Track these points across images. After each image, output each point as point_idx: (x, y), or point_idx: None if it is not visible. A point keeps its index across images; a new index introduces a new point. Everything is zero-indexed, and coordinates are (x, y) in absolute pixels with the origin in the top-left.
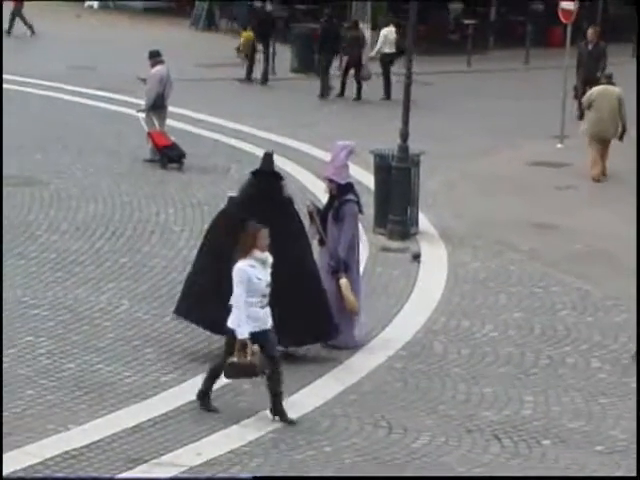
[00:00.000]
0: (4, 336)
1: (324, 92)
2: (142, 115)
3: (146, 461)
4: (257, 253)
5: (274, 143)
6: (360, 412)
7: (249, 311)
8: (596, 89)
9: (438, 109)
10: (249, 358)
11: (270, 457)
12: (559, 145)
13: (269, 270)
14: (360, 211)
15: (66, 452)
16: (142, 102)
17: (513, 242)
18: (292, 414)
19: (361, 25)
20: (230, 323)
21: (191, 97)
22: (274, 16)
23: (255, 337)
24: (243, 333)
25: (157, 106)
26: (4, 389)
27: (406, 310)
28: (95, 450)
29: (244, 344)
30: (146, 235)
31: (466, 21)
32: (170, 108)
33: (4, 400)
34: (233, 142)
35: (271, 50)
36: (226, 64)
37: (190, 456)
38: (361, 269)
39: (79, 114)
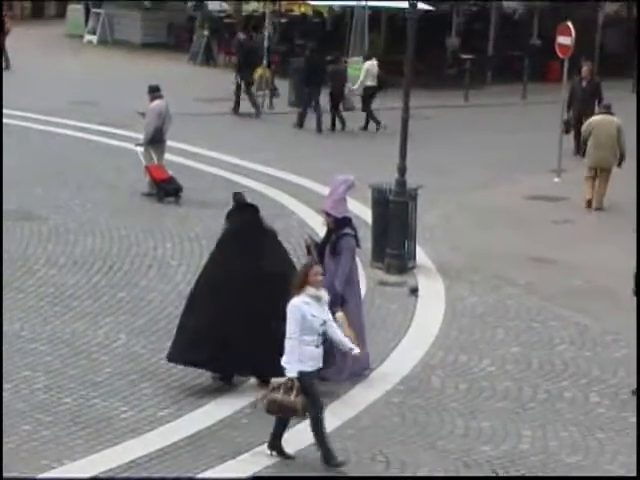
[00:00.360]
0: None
1: (300, 122)
2: (140, 149)
3: None
4: (310, 290)
5: (272, 177)
6: (358, 446)
7: (303, 350)
8: (594, 119)
9: (436, 143)
10: (292, 398)
11: None
12: (556, 179)
13: (325, 307)
14: (357, 245)
15: None
16: (141, 136)
17: (511, 276)
18: (289, 449)
19: (355, 59)
20: (283, 359)
21: (190, 131)
22: (257, 46)
23: (305, 377)
24: (291, 371)
25: (155, 140)
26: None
27: (404, 344)
28: None
29: (291, 383)
30: (143, 269)
31: (464, 56)
32: (169, 142)
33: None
34: (231, 176)
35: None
36: (224, 98)
37: None
38: None
39: (79, 149)
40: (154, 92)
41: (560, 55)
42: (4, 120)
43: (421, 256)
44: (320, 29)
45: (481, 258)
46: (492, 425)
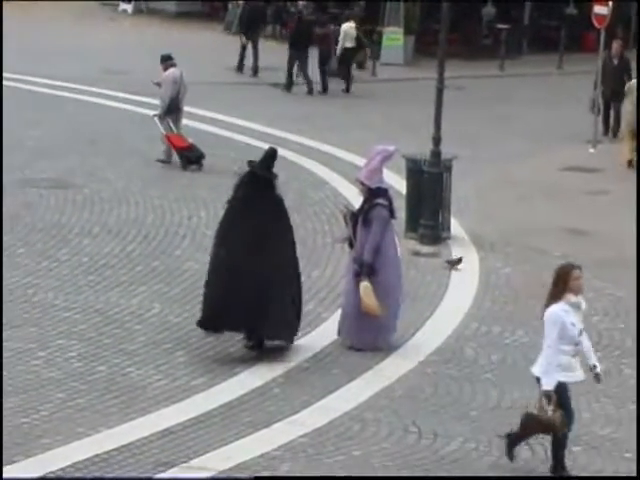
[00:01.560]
0: (36, 339)
1: (288, 86)
2: (158, 119)
3: (176, 465)
4: (571, 297)
5: (305, 146)
6: (390, 417)
7: (559, 359)
8: (634, 81)
9: (471, 113)
10: (549, 413)
11: (299, 462)
12: (591, 150)
13: (581, 315)
14: (393, 216)
15: (96, 455)
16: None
17: (545, 247)
18: (322, 418)
19: (391, 29)
20: (537, 370)
21: (222, 100)
22: (261, 6)
23: (560, 389)
24: (549, 383)
25: (172, 109)
26: (34, 392)
27: (437, 315)
28: (125, 453)
29: (548, 396)
30: (177, 239)
31: (499, 25)
32: (201, 111)
33: (34, 403)
34: (264, 145)
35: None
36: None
37: (220, 460)
38: None
39: (112, 118)
40: (167, 61)
41: (596, 25)
42: (38, 89)
43: (455, 227)
44: None
45: (515, 229)
46: (525, 396)
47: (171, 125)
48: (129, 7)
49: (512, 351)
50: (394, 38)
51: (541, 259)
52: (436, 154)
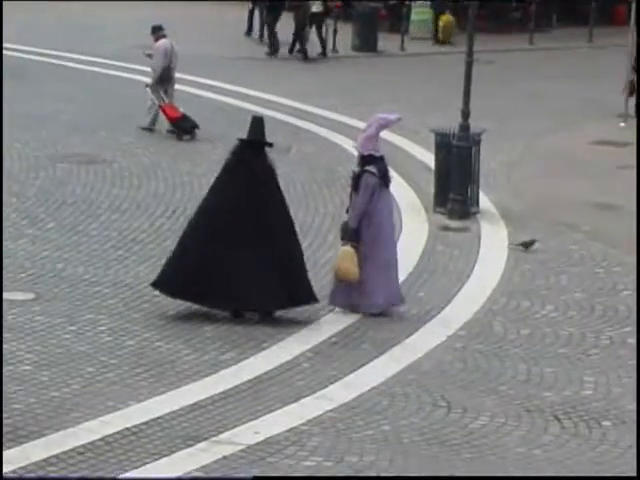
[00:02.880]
0: (66, 313)
1: (272, 50)
2: (149, 89)
3: (205, 439)
4: None
5: (336, 122)
6: (419, 391)
7: None
8: None
9: (500, 88)
10: None
11: (328, 436)
12: (622, 124)
13: None
14: (385, 184)
15: (127, 429)
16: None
17: (574, 222)
18: (351, 393)
19: (420, 2)
20: None
21: (252, 76)
22: None
23: None
24: None
25: (164, 79)
26: (65, 366)
27: (466, 290)
28: (154, 427)
29: None
30: None
31: None
32: (233, 87)
33: (65, 377)
34: (294, 121)
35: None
36: (286, 42)
37: (248, 434)
38: (420, 248)
39: (142, 94)
40: (157, 32)
41: None
42: (71, 64)
43: (484, 202)
44: None
45: (545, 204)
46: (554, 371)
47: (163, 95)
48: None
49: (541, 326)
50: (423, 12)
51: (570, 233)
52: (465, 128)
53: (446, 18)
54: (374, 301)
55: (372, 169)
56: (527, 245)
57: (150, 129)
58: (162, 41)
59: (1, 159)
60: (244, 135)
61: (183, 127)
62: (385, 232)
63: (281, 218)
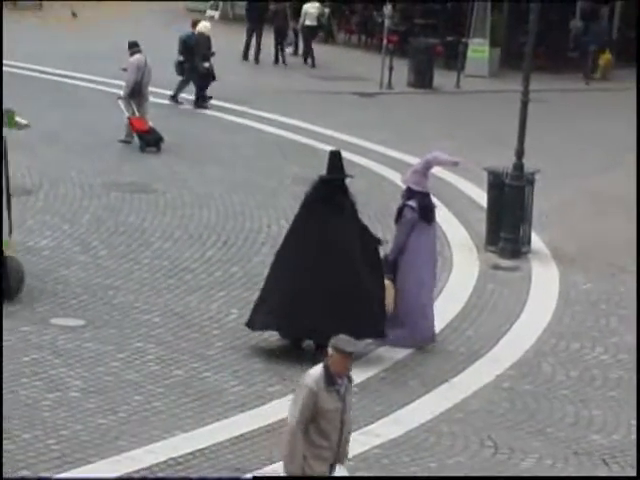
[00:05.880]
0: (115, 341)
1: (256, 56)
2: (121, 101)
3: (249, 471)
4: None
5: (389, 157)
6: (466, 430)
7: None
8: None
9: (554, 127)
10: None
11: (373, 472)
12: None
13: None
14: (427, 220)
15: (172, 458)
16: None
17: (626, 264)
18: (397, 429)
19: (477, 40)
20: None
21: (306, 109)
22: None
23: None
24: None
25: (135, 92)
26: (112, 393)
27: (515, 329)
28: (200, 458)
29: None
30: (257, 245)
31: (586, 39)
32: (286, 119)
33: (112, 405)
34: (348, 155)
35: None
36: (342, 77)
37: None
38: (470, 286)
39: (197, 124)
40: (133, 47)
41: None
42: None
43: (536, 241)
44: (441, 9)
45: (597, 245)
46: (603, 414)
47: (134, 108)
48: (216, 13)
49: (590, 368)
50: (479, 50)
51: (622, 275)
52: (519, 167)
53: (606, 56)
54: (402, 334)
55: (412, 203)
56: None
57: (127, 141)
58: (136, 56)
59: (1, 165)
60: (298, 167)
61: (147, 140)
62: (421, 267)
63: (363, 252)
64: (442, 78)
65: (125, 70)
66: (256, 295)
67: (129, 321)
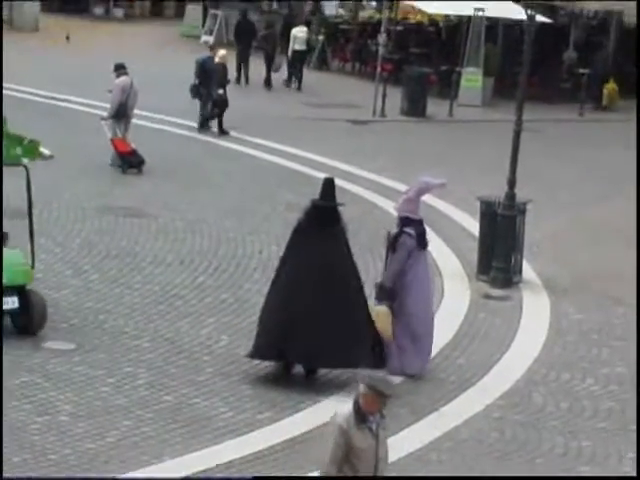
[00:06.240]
0: (105, 365)
1: (242, 79)
2: (105, 122)
3: None
4: None
5: (382, 185)
6: (455, 459)
7: None
8: None
9: (547, 157)
10: None
11: None
12: None
13: None
14: (422, 246)
15: None
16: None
17: (619, 294)
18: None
19: (470, 69)
20: None
21: (301, 136)
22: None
23: None
24: None
25: (120, 114)
26: (102, 418)
27: (506, 359)
28: None
29: None
30: (249, 272)
31: (580, 70)
32: (281, 146)
33: (101, 429)
34: (340, 183)
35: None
36: (336, 104)
37: None
38: (461, 315)
39: (192, 149)
40: (119, 69)
41: None
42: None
43: (527, 271)
44: (435, 38)
45: (589, 275)
46: (593, 445)
47: (117, 130)
48: (211, 39)
49: (581, 399)
50: (473, 79)
51: (614, 306)
52: (511, 197)
53: (611, 86)
54: (405, 363)
55: (410, 230)
56: None
57: (115, 165)
58: (122, 78)
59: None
60: (291, 195)
61: (130, 161)
62: (418, 293)
63: (353, 279)
64: (435, 107)
65: (110, 92)
66: (247, 321)
67: (119, 346)
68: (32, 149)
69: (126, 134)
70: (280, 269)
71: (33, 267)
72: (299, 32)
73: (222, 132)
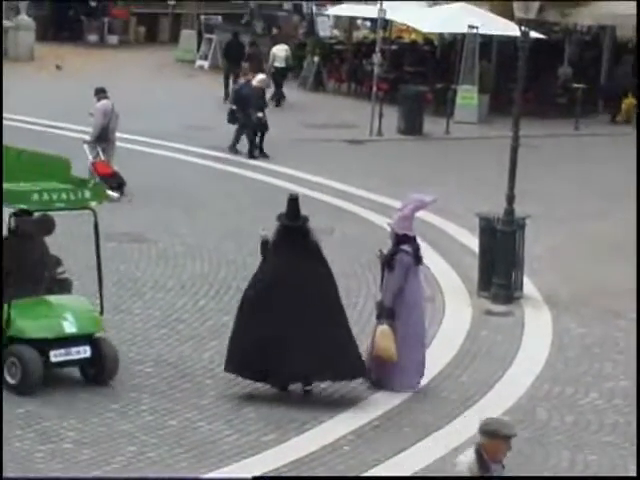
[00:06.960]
0: (109, 392)
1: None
2: (87, 146)
3: None
4: None
5: (380, 204)
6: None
7: None
8: None
9: (544, 172)
10: None
11: None
12: None
13: None
14: (418, 262)
15: None
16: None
17: (620, 309)
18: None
19: (465, 87)
20: None
21: (299, 157)
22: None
23: None
24: None
25: (102, 138)
26: (106, 444)
27: (509, 375)
28: None
29: None
30: None
31: (575, 85)
32: (281, 168)
33: (106, 456)
34: (337, 202)
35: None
36: (333, 125)
37: None
38: (462, 332)
39: (190, 173)
40: (100, 93)
41: None
42: (119, 144)
43: (528, 286)
44: (430, 56)
45: (590, 289)
46: (598, 459)
47: (100, 153)
48: (205, 63)
49: (585, 413)
50: (468, 96)
51: (616, 320)
52: (509, 212)
53: (630, 101)
54: (408, 380)
55: (407, 248)
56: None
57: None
58: (103, 102)
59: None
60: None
61: (110, 183)
62: (417, 310)
63: (329, 292)
64: (432, 125)
65: (92, 115)
66: None
67: (122, 371)
68: (100, 192)
69: (111, 158)
70: (255, 289)
71: (102, 314)
72: (280, 50)
73: (263, 155)
